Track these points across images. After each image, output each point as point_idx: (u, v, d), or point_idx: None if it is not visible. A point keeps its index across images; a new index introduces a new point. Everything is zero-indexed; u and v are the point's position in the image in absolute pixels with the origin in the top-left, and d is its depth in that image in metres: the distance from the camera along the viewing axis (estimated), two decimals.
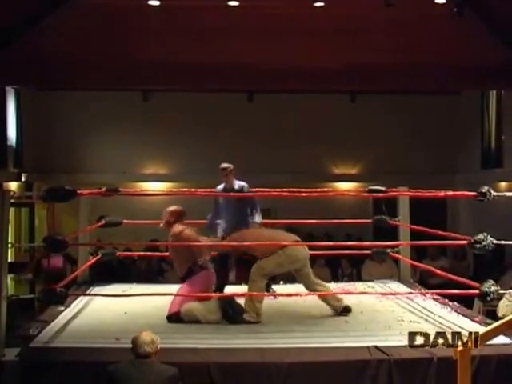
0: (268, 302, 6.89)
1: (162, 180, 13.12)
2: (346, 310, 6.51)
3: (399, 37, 8.92)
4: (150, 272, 10.50)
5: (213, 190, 7.43)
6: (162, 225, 6.78)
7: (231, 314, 6.28)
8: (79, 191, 6.36)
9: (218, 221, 7.34)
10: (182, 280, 6.58)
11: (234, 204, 7.23)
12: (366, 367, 5.09)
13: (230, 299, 6.45)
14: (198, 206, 10.55)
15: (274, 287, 7.56)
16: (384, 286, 8.05)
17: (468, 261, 11.08)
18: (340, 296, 6.64)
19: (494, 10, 8.85)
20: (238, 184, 7.41)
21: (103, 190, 6.77)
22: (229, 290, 7.09)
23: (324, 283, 6.78)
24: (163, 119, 12.87)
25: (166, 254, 8.38)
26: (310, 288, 6.59)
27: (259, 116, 12.83)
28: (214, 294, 6.59)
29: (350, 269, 10.71)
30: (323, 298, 6.57)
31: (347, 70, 9.04)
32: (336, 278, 9.43)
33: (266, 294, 6.95)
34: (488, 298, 5.91)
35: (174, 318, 6.23)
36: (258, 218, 7.32)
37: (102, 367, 4.63)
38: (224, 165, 7.33)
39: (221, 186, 7.44)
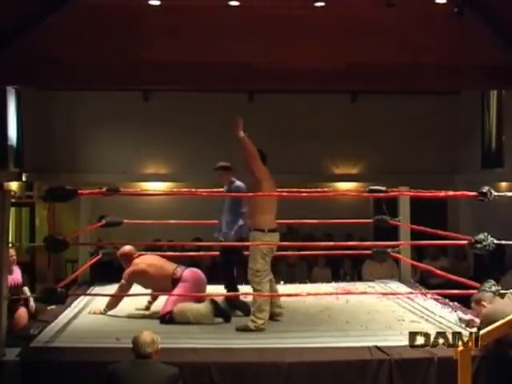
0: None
1: (162, 180, 13.13)
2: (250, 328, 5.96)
3: (399, 37, 8.90)
4: None
5: (213, 190, 7.43)
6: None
7: (226, 312, 6.32)
8: (80, 191, 6.36)
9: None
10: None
11: (230, 204, 7.13)
12: (366, 367, 5.10)
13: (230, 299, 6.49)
14: (198, 205, 10.59)
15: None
16: (384, 286, 8.05)
17: (468, 261, 11.07)
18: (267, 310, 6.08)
19: (495, 9, 8.83)
20: (234, 184, 7.41)
21: (104, 189, 6.78)
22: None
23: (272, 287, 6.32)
24: (163, 119, 12.87)
25: (167, 253, 8.38)
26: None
27: (260, 116, 12.81)
28: (206, 294, 6.62)
29: (352, 269, 10.71)
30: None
31: (347, 69, 9.03)
32: (337, 278, 9.43)
33: (266, 294, 6.95)
34: None
35: (167, 317, 6.23)
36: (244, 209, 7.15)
37: (102, 367, 4.63)
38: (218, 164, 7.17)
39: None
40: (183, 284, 6.46)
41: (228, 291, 6.81)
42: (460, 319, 6.21)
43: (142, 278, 6.57)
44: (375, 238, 11.12)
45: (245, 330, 5.96)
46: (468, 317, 6.18)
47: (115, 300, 6.61)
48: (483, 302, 5.58)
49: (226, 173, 7.02)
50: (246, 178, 6.63)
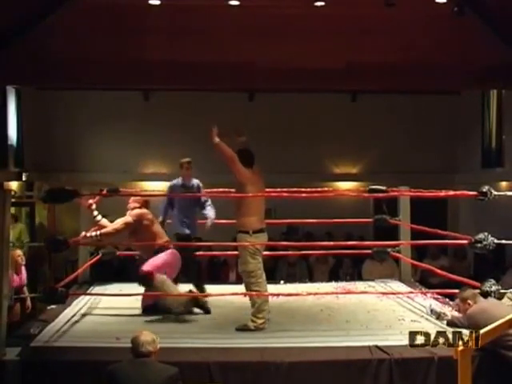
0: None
1: (162, 179, 13.09)
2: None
3: (399, 36, 8.90)
4: None
5: (213, 190, 7.42)
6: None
7: (206, 306, 6.45)
8: (80, 192, 6.35)
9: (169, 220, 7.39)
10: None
11: (189, 203, 7.23)
12: (366, 367, 5.10)
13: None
14: None
15: (275, 287, 7.54)
16: (385, 286, 8.06)
17: (469, 260, 11.08)
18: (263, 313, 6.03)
19: (495, 9, 8.84)
20: (194, 181, 7.47)
21: (104, 191, 6.78)
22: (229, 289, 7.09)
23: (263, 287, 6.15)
24: (164, 118, 12.86)
25: None
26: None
27: (260, 115, 12.81)
28: (206, 294, 6.64)
29: (352, 269, 10.72)
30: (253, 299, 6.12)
31: (347, 69, 9.03)
32: (337, 278, 9.44)
33: (265, 294, 6.95)
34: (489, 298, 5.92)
35: (147, 277, 6.23)
36: (212, 214, 7.23)
37: (102, 367, 4.63)
38: (188, 159, 7.40)
39: (178, 181, 7.41)
40: (167, 255, 6.53)
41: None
42: (432, 310, 6.31)
43: (142, 227, 6.59)
44: (375, 238, 11.12)
45: (245, 329, 5.95)
46: (439, 309, 6.28)
47: (109, 233, 6.61)
48: (469, 301, 5.63)
49: None
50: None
